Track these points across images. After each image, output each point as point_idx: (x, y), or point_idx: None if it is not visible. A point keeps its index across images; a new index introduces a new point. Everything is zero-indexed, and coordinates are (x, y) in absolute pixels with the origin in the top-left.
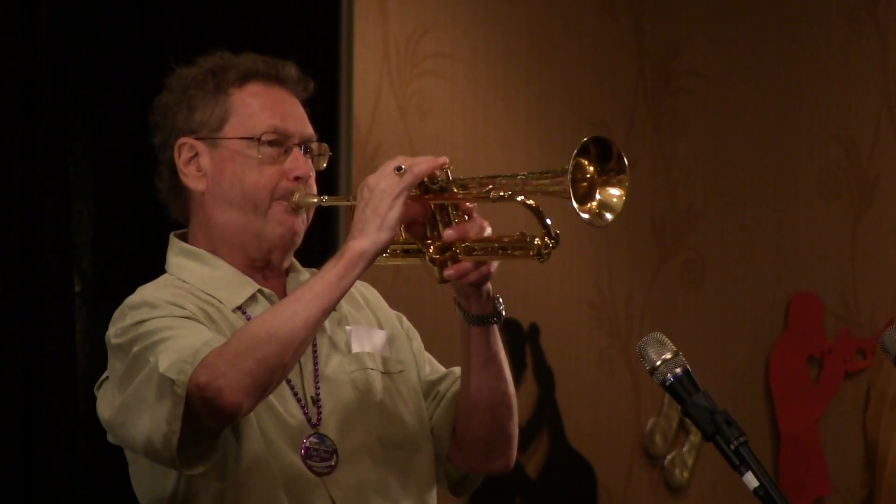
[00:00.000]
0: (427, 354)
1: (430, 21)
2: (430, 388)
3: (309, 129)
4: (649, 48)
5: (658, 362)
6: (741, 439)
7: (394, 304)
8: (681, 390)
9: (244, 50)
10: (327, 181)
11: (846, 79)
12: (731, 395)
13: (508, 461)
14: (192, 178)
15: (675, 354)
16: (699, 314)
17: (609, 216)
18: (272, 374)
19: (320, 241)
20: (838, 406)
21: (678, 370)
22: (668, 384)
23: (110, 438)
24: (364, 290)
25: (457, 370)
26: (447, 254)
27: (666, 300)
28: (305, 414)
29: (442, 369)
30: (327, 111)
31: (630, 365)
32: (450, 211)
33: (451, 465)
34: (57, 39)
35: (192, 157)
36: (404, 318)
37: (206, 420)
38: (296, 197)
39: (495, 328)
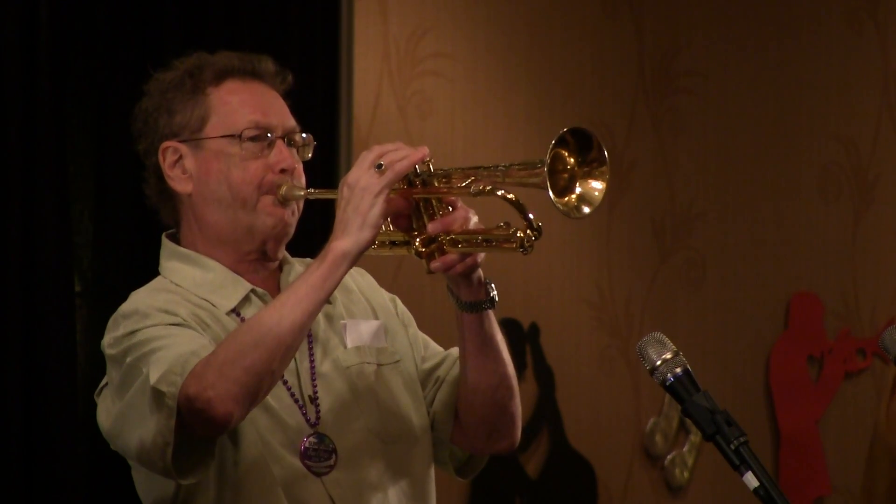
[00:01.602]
0: (423, 336)
1: (430, 21)
2: (429, 374)
3: (291, 121)
4: (649, 48)
5: (658, 362)
6: (741, 439)
7: (385, 287)
8: (681, 390)
9: (244, 50)
10: (327, 181)
11: (846, 79)
12: (731, 395)
13: (513, 441)
14: (178, 182)
15: (676, 354)
16: (699, 314)
17: (587, 209)
18: (261, 380)
19: (321, 235)
20: (838, 406)
21: (678, 370)
22: (668, 384)
23: (111, 447)
24: (358, 277)
25: (455, 351)
26: (433, 246)
27: (666, 300)
28: (304, 414)
29: (440, 350)
30: (327, 111)
31: (630, 365)
32: (433, 203)
33: (455, 447)
34: (57, 39)
35: (177, 161)
36: (398, 301)
37: (199, 430)
38: (283, 189)
39: (490, 313)
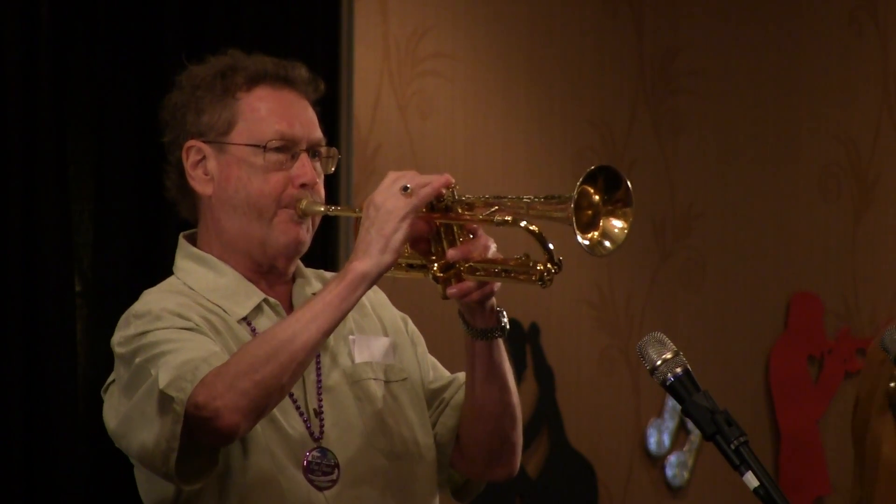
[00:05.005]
0: (431, 359)
1: (430, 21)
2: (434, 396)
3: (317, 134)
4: (649, 48)
5: (658, 362)
6: (741, 439)
7: (395, 307)
8: (681, 390)
9: (244, 50)
10: (327, 181)
11: (846, 79)
12: (731, 395)
13: (512, 469)
14: (199, 182)
15: (676, 354)
16: (699, 314)
17: (609, 245)
18: (270, 395)
19: (321, 244)
20: (838, 406)
21: (678, 370)
22: (668, 384)
23: (116, 445)
24: (371, 294)
25: (461, 376)
26: (450, 272)
27: (666, 300)
28: (308, 427)
29: (447, 374)
30: (327, 111)
31: (630, 365)
32: (454, 229)
33: (454, 470)
34: (57, 39)
35: (200, 161)
36: (409, 321)
37: (204, 439)
38: (303, 204)
39: (500, 341)
